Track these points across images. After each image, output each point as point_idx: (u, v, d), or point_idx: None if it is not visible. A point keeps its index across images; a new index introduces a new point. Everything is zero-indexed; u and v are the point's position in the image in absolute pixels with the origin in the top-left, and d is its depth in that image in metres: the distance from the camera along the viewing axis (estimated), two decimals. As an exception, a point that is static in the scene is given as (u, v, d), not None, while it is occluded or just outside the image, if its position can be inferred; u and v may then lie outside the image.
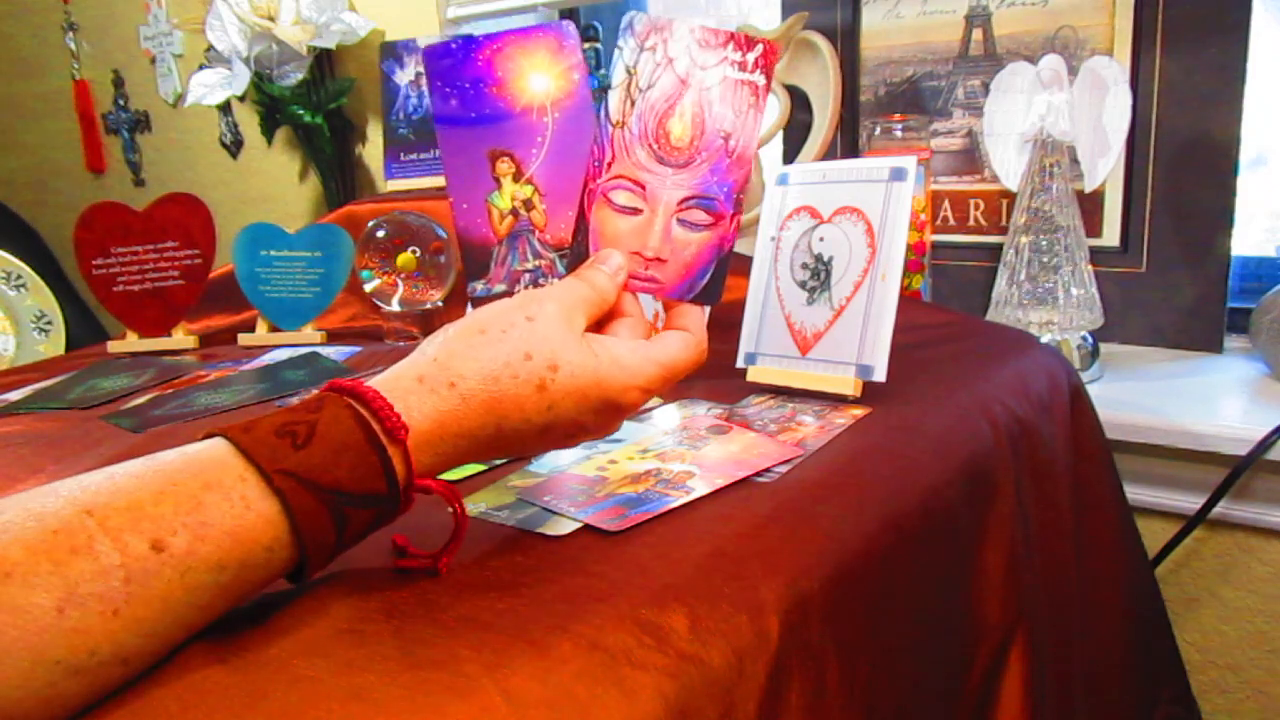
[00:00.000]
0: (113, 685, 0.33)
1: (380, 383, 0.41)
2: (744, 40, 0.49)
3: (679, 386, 0.71)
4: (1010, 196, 0.99)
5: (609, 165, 0.49)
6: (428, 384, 0.40)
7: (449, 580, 0.41)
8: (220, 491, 0.35)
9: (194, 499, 0.35)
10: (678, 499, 0.49)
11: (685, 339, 0.47)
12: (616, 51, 0.49)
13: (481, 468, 0.56)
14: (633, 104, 0.49)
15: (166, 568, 0.33)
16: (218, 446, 0.37)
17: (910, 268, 0.96)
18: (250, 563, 0.35)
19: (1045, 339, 0.89)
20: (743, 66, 0.49)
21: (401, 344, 1.02)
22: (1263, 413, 0.81)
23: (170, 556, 0.33)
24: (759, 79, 0.49)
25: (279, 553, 0.36)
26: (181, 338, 1.06)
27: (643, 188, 0.49)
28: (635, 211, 0.49)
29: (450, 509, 0.42)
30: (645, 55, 0.49)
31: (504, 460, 0.57)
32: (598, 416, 0.44)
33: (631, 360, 0.44)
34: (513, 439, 0.42)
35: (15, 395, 0.88)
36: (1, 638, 0.30)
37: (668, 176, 0.49)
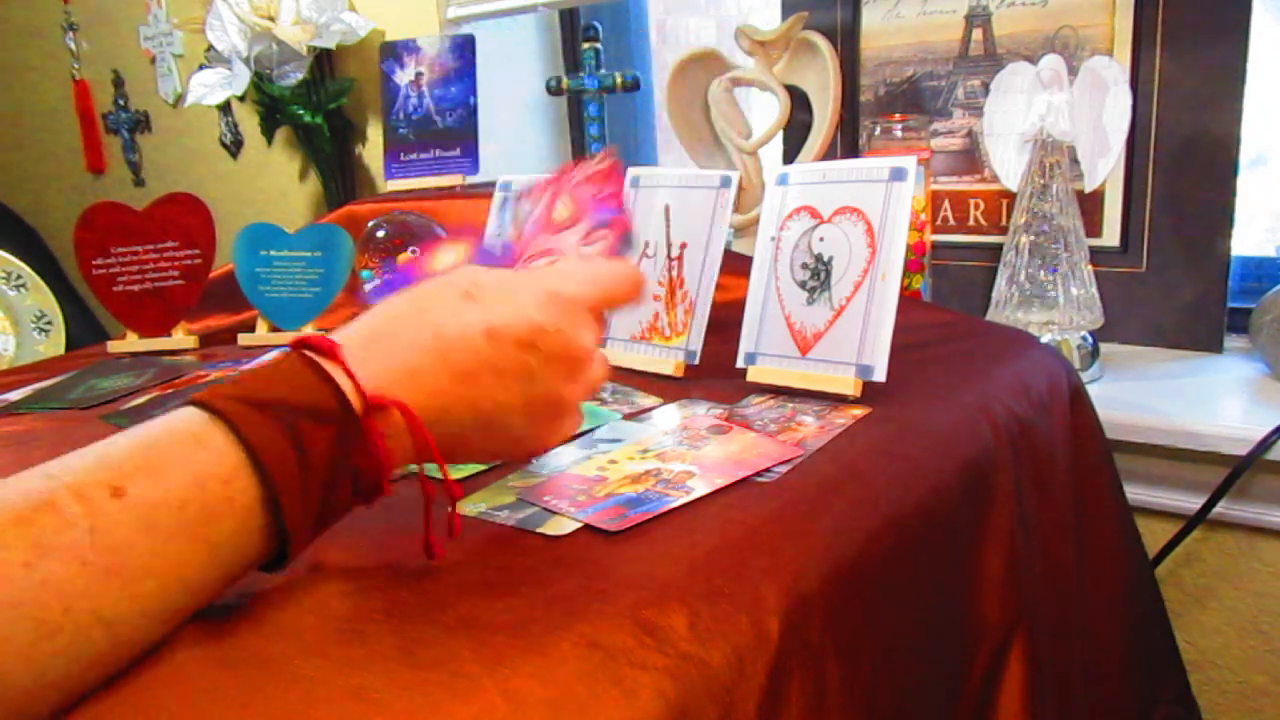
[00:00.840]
0: (101, 655, 0.33)
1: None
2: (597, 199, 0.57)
3: (679, 387, 0.72)
4: (1010, 196, 0.99)
5: (521, 256, 0.57)
6: (357, 318, 0.43)
7: (449, 580, 0.41)
8: (171, 434, 0.37)
9: (150, 445, 0.36)
10: (678, 499, 0.49)
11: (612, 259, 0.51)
12: (505, 213, 0.61)
13: (482, 467, 0.56)
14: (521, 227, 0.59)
15: (127, 512, 0.34)
16: (181, 409, 0.39)
17: (910, 268, 0.96)
18: (211, 500, 0.36)
19: (1045, 339, 0.89)
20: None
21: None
22: (1263, 413, 0.81)
23: (130, 500, 0.34)
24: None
25: (238, 485, 0.36)
26: (181, 338, 1.05)
27: (552, 250, 0.56)
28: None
29: (432, 477, 0.42)
30: (523, 203, 0.59)
31: (500, 464, 0.57)
32: (543, 310, 0.43)
33: (559, 264, 0.48)
34: (458, 345, 0.41)
35: (15, 395, 0.88)
36: None
37: (566, 236, 0.56)
